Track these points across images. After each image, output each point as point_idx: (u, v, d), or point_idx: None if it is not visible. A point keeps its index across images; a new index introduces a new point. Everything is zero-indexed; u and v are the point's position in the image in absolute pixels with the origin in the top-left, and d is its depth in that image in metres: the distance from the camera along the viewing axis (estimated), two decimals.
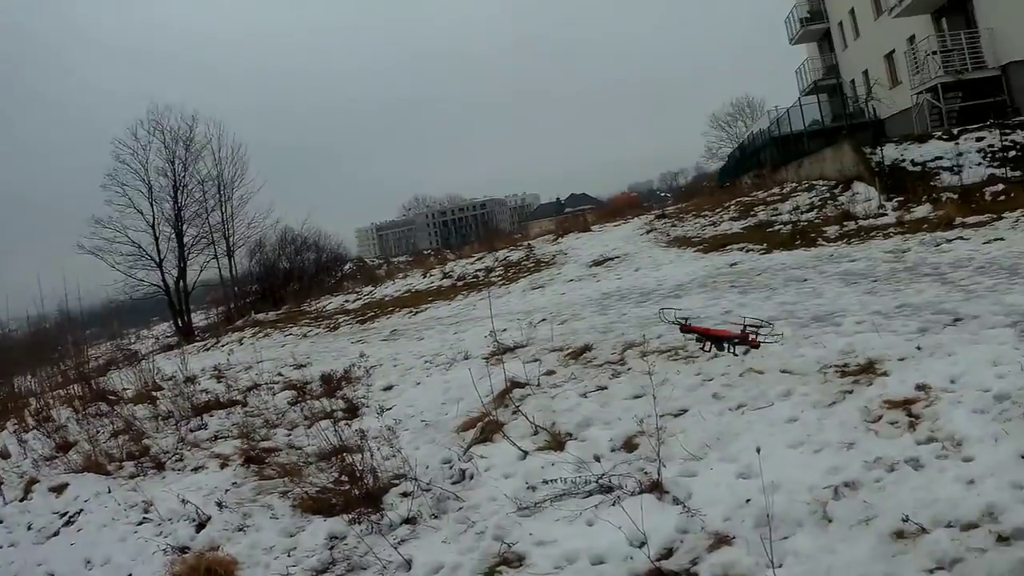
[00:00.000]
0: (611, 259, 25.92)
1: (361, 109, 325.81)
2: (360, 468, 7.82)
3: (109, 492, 8.94)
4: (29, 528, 8.46)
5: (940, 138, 27.01)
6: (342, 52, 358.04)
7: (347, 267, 60.60)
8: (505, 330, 14.46)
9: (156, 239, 44.34)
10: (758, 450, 6.00)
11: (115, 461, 10.18)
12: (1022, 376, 6.89)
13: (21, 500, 9.17)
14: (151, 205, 44.91)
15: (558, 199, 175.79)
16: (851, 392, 7.60)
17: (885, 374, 7.80)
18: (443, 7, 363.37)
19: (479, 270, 31.18)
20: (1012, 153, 24.98)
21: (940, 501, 5.28)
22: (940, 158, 25.54)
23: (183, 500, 7.90)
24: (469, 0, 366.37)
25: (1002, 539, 4.79)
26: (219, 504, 8.07)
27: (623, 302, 16.82)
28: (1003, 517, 4.97)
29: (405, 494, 7.45)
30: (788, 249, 20.57)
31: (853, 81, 46.61)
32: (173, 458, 10.21)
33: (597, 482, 6.71)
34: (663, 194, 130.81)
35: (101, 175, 45.36)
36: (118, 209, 44.57)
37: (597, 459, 7.32)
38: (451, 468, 8.00)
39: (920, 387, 7.19)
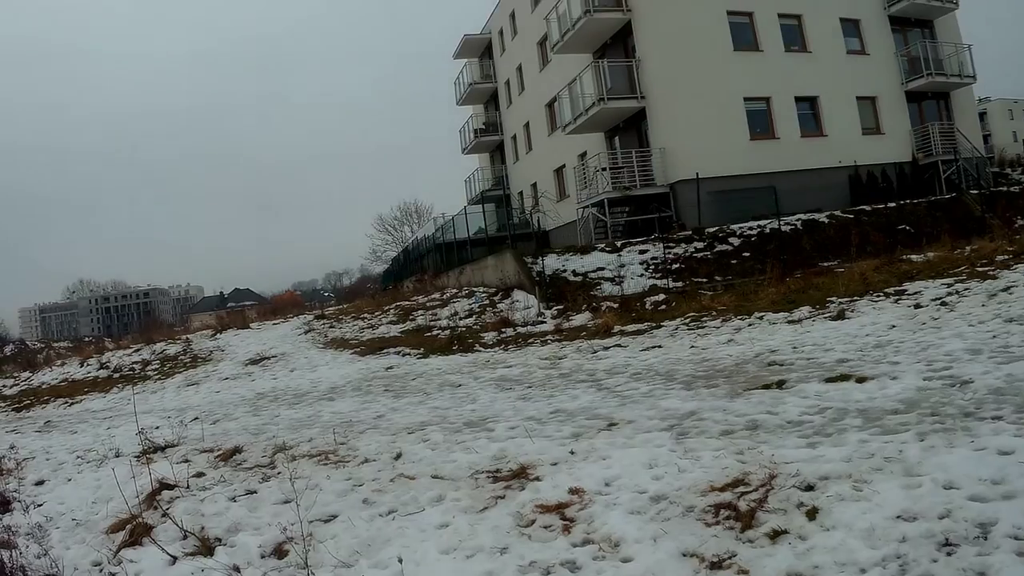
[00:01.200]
0: (268, 358, 26.11)
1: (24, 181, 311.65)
2: (10, 565, 7.51)
3: None
4: None
5: (603, 250, 28.46)
6: None
7: (8, 349, 57.04)
8: (158, 428, 14.00)
9: None
10: (400, 560, 6.20)
11: None
12: (679, 477, 7.01)
13: None
14: None
15: (221, 293, 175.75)
16: (503, 497, 7.61)
17: (538, 479, 7.86)
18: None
19: (136, 362, 30.90)
20: (675, 266, 26.67)
21: None
22: (602, 268, 26.75)
23: None
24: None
25: None
26: None
27: (276, 403, 16.74)
28: None
29: None
30: (445, 354, 20.84)
31: (521, 193, 48.52)
32: None
33: None
34: (326, 294, 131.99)
35: None
36: None
37: (245, 566, 7.15)
38: (101, 571, 7.71)
39: (574, 491, 7.25)
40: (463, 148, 57.72)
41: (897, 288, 17.53)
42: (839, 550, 5.19)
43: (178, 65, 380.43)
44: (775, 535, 5.63)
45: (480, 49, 55.35)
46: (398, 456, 9.61)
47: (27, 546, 8.16)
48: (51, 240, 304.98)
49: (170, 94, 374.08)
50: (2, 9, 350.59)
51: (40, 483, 11.80)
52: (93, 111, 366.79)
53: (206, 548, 7.64)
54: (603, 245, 29.26)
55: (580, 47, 37.95)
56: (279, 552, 7.28)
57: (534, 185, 46.42)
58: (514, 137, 50.97)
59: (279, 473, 9.67)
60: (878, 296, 17.22)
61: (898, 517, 5.44)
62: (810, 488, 6.19)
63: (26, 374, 34.69)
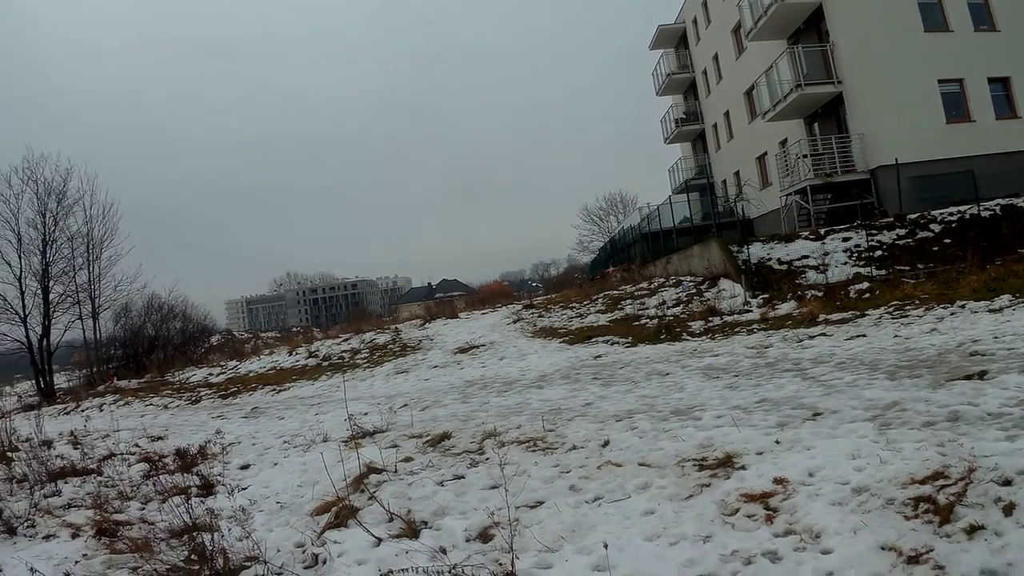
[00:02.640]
0: (477, 347, 26.00)
1: (237, 182, 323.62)
2: (211, 548, 7.39)
3: None
4: None
5: (807, 238, 27.88)
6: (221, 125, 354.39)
7: (214, 339, 59.19)
8: (366, 414, 14.37)
9: (22, 293, 41.94)
10: (605, 546, 5.99)
11: None
12: (881, 468, 6.87)
13: None
14: (19, 257, 42.10)
15: (429, 284, 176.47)
16: (708, 485, 7.50)
17: (743, 468, 7.75)
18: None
19: (345, 351, 30.97)
20: (878, 253, 25.92)
21: None
22: (806, 257, 26.20)
23: (32, 569, 7.25)
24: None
25: None
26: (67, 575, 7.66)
27: (485, 391, 16.75)
28: None
29: None
30: (653, 343, 20.72)
31: (724, 181, 47.89)
32: (25, 524, 9.65)
33: (450, 572, 6.47)
34: (534, 284, 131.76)
35: None
36: None
37: (451, 549, 7.08)
38: (304, 552, 7.69)
39: (778, 480, 7.14)
40: (665, 138, 57.27)
41: None
42: None
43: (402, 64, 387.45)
44: (972, 530, 5.48)
45: (675, 39, 54.77)
46: (605, 443, 9.63)
47: (229, 529, 8.20)
48: (256, 236, 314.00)
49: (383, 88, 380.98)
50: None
51: (245, 467, 12.13)
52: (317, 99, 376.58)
53: (411, 531, 7.69)
54: (806, 233, 28.71)
55: (773, 33, 37.26)
56: (484, 536, 7.29)
57: (736, 173, 45.89)
58: (715, 125, 50.34)
59: (487, 459, 9.80)
60: None
61: None
62: (1008, 483, 6.02)
63: (233, 363, 35.44)
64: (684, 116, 54.33)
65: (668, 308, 25.88)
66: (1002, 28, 33.67)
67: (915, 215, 28.36)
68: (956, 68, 33.01)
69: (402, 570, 6.68)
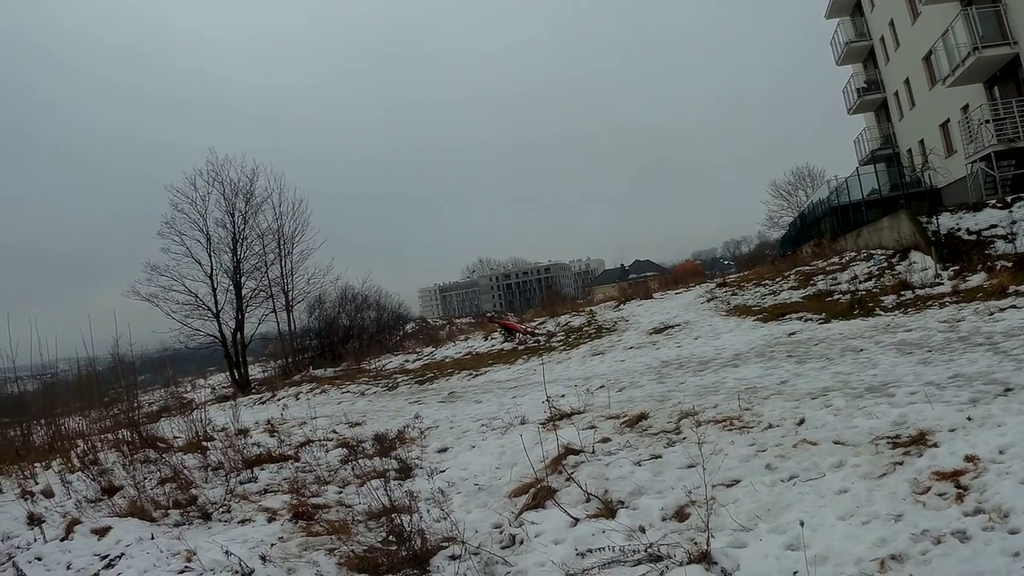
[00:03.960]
0: (671, 327, 25.90)
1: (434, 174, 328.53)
2: (409, 529, 7.67)
3: (152, 538, 8.62)
4: (68, 568, 8.06)
5: (994, 206, 26.80)
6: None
7: (409, 327, 60.30)
8: (563, 396, 14.47)
9: (214, 290, 43.48)
10: (801, 524, 6.10)
11: (160, 508, 9.93)
12: None
13: (62, 540, 8.79)
14: (209, 256, 44.41)
15: (622, 265, 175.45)
16: (901, 464, 7.50)
17: (935, 445, 7.70)
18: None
19: (540, 335, 31.16)
20: None
21: (985, 573, 5.21)
22: (995, 226, 25.24)
23: (227, 552, 7.61)
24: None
25: None
26: (263, 558, 7.86)
27: (681, 371, 16.76)
28: None
29: (453, 557, 7.32)
30: (846, 319, 20.43)
31: (910, 150, 46.47)
32: (220, 509, 9.98)
33: (646, 551, 6.60)
34: (726, 262, 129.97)
35: (142, 223, 45.49)
36: (174, 258, 43.86)
37: (647, 528, 7.24)
38: (501, 533, 7.89)
39: (969, 458, 7.07)
40: (848, 108, 55.52)
41: None
42: None
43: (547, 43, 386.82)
44: None
45: (850, 7, 52.91)
46: (801, 422, 9.62)
47: (427, 511, 8.47)
48: (444, 228, 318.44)
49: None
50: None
51: (443, 451, 12.44)
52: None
53: (608, 511, 7.78)
54: (994, 201, 27.52)
55: None
56: (680, 515, 7.38)
57: (921, 142, 44.36)
58: (896, 93, 48.52)
59: (684, 438, 9.93)
60: None
61: None
62: None
63: (428, 349, 35.92)
64: (865, 85, 52.61)
65: (860, 283, 25.42)
66: None
67: None
68: None
69: (598, 549, 6.82)
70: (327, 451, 13.32)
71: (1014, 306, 16.36)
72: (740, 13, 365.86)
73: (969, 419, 8.32)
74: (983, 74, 34.55)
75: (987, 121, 32.16)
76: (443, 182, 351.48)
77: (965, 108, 36.23)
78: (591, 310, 35.63)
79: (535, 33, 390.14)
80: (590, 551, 6.89)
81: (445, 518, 8.19)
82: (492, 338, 33.37)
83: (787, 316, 22.87)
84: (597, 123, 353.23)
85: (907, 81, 45.50)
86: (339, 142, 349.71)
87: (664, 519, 7.40)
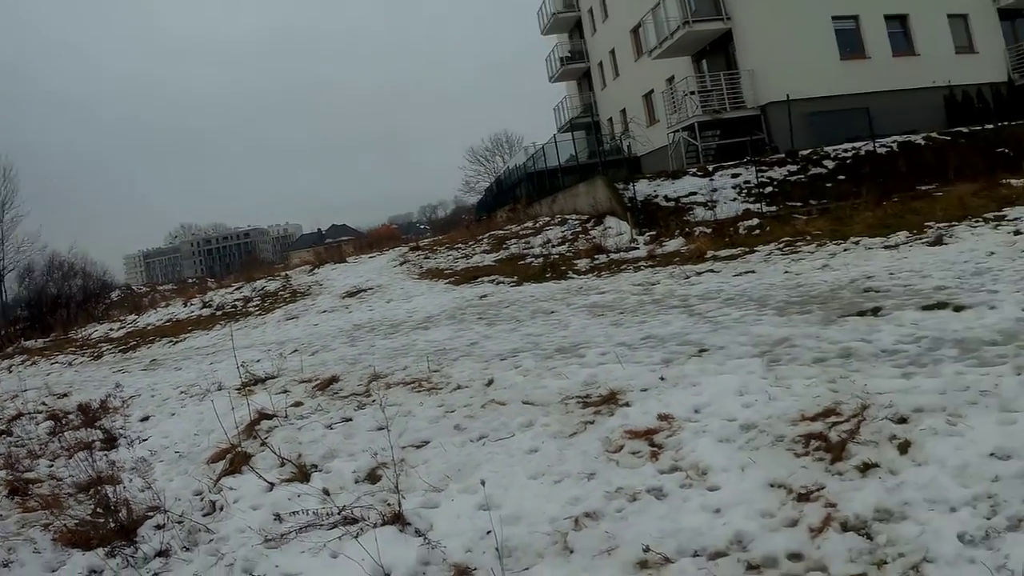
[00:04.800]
0: (364, 290, 26.37)
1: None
2: (115, 500, 7.69)
3: None
4: None
5: (695, 174, 28.04)
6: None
7: (115, 295, 59.60)
8: (258, 361, 14.71)
9: None
10: (483, 483, 6.19)
11: None
12: (770, 405, 6.93)
13: None
14: None
15: (319, 230, 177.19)
16: (592, 423, 7.59)
17: (627, 404, 7.82)
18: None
19: (238, 300, 31.73)
20: (768, 189, 26.19)
21: (685, 531, 5.29)
22: (695, 193, 26.37)
23: None
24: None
25: (752, 567, 4.81)
26: None
27: (373, 334, 16.97)
28: (752, 545, 5.00)
29: (159, 526, 7.35)
30: (538, 282, 20.79)
31: (611, 119, 48.19)
32: None
33: (340, 514, 6.67)
34: (422, 226, 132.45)
35: None
36: None
37: (340, 491, 7.30)
38: (202, 500, 8.02)
39: (663, 417, 7.19)
40: (550, 77, 57.42)
41: (996, 213, 17.13)
42: (930, 487, 5.07)
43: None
44: (865, 468, 5.51)
45: None
46: (490, 383, 9.67)
47: (131, 480, 8.46)
48: (150, 188, 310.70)
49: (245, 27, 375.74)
50: None
51: (145, 419, 12.32)
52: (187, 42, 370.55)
53: (302, 474, 7.81)
54: (695, 170, 28.82)
55: None
56: (372, 477, 7.44)
57: (623, 111, 45.99)
58: (600, 64, 50.42)
59: (374, 401, 9.85)
60: (977, 221, 16.82)
61: (991, 455, 5.27)
62: (903, 420, 6.03)
63: (132, 317, 35.82)
64: (569, 55, 54.33)
65: (554, 247, 26.02)
66: None
67: (807, 152, 28.61)
68: (852, 5, 33.44)
69: (294, 513, 6.84)
70: (37, 424, 13.28)
71: (711, 270, 16.98)
72: None
73: (662, 379, 8.45)
74: (692, 47, 36.32)
75: (692, 92, 33.59)
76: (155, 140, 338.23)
77: (671, 79, 37.81)
78: (287, 274, 36.39)
79: None
80: (287, 515, 6.94)
81: (148, 487, 8.24)
82: (191, 304, 33.53)
83: (479, 279, 23.20)
84: (290, 86, 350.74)
85: (613, 52, 47.25)
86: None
87: (357, 482, 7.50)
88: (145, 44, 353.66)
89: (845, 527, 4.93)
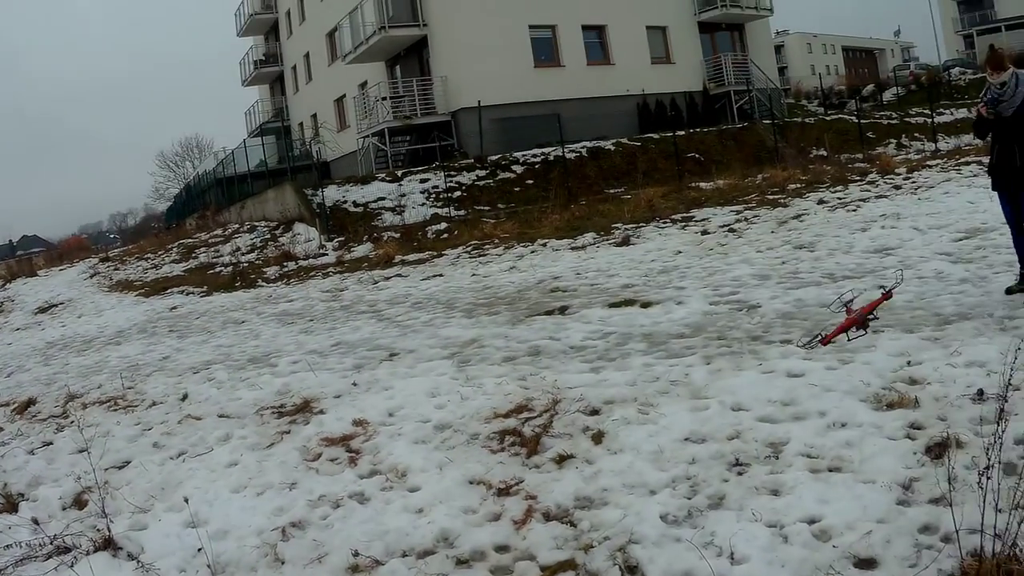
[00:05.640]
0: (56, 305, 25.22)
1: None
2: None
3: None
4: None
5: (384, 180, 28.30)
6: None
7: None
8: None
9: None
10: (186, 500, 6.01)
11: None
12: (462, 405, 7.12)
13: None
14: None
15: (10, 241, 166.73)
16: (289, 432, 7.64)
17: (322, 412, 7.93)
18: None
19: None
20: (456, 194, 26.74)
21: (391, 532, 5.33)
22: (383, 199, 26.66)
23: None
24: None
25: (461, 562, 4.85)
26: None
27: (66, 351, 16.32)
28: (458, 541, 5.06)
29: None
30: (228, 291, 20.60)
31: (301, 124, 47.90)
32: None
33: (53, 543, 6.21)
34: (112, 236, 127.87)
35: None
36: None
37: (49, 519, 6.77)
38: None
39: (358, 422, 7.31)
40: (243, 80, 56.51)
41: (685, 215, 18.02)
42: (627, 473, 5.24)
43: None
44: (561, 460, 5.67)
45: None
46: (184, 397, 9.60)
47: None
48: None
49: None
50: None
51: None
52: None
53: (10, 504, 7.37)
54: (384, 175, 29.08)
55: None
56: (79, 503, 7.08)
57: (314, 116, 45.72)
58: (294, 68, 50.08)
59: (72, 422, 9.56)
60: (665, 223, 17.64)
61: (686, 439, 5.51)
62: (595, 412, 6.25)
63: None
64: (264, 58, 53.66)
65: (243, 255, 25.75)
66: None
67: (497, 157, 29.34)
68: (549, 15, 34.39)
69: (6, 546, 6.32)
70: None
71: (399, 275, 17.16)
72: None
73: (355, 384, 8.60)
74: (387, 53, 36.50)
75: (384, 98, 33.69)
76: None
77: (364, 85, 37.85)
78: None
79: None
80: (2, 549, 6.38)
81: None
82: None
83: (169, 290, 22.74)
84: None
85: (307, 55, 47.06)
86: None
87: (65, 508, 7.06)
88: None
89: (548, 517, 5.04)
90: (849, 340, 7.27)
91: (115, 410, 9.73)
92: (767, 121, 33.09)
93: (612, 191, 25.50)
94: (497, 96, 31.72)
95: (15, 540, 6.38)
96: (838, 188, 17.74)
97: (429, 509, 5.47)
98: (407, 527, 5.33)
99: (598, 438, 5.78)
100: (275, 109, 53.18)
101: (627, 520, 4.71)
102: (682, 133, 30.75)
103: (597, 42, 35.59)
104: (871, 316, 7.59)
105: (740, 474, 4.95)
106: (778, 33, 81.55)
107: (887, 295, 7.79)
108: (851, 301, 7.60)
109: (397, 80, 35.06)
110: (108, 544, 5.97)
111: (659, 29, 37.10)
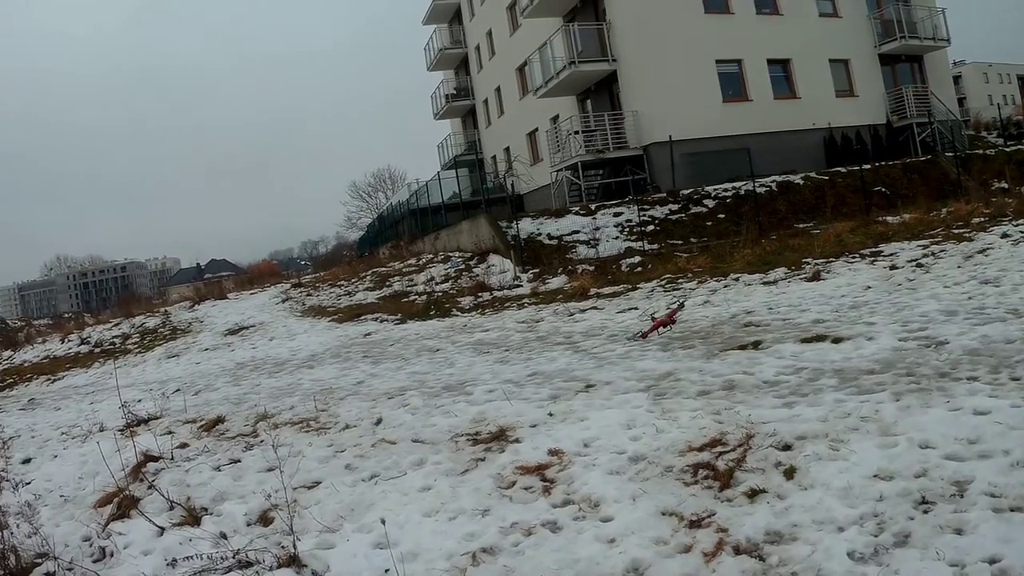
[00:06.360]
0: (247, 328, 26.06)
1: None
2: (2, 546, 7.36)
3: None
4: None
5: (578, 213, 28.40)
6: None
7: None
8: (140, 401, 14.02)
9: None
10: (383, 521, 6.12)
11: None
12: (657, 437, 7.07)
13: None
14: None
15: (198, 264, 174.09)
16: (483, 460, 7.63)
17: (517, 441, 7.88)
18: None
19: (116, 336, 30.94)
20: (650, 228, 26.64)
21: (581, 561, 5.31)
22: (577, 232, 26.72)
23: None
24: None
25: None
26: None
27: (257, 372, 16.79)
28: (648, 572, 5.05)
29: (49, 574, 7.03)
30: (423, 319, 20.76)
31: (495, 157, 48.31)
32: None
33: (235, 557, 6.49)
34: (303, 262, 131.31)
35: None
36: None
37: (232, 534, 7.06)
38: (91, 546, 7.64)
39: (553, 452, 7.28)
40: (435, 114, 57.42)
41: (872, 249, 17.64)
42: (817, 509, 5.25)
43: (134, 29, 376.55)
44: (753, 494, 5.67)
45: (449, 14, 54.88)
46: (379, 421, 9.62)
47: (18, 525, 8.08)
48: (25, 218, 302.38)
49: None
50: None
51: (27, 461, 11.77)
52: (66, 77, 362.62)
53: (193, 518, 7.64)
54: (577, 208, 29.20)
55: (549, 11, 37.59)
56: (264, 519, 7.28)
57: (507, 149, 46.25)
58: (485, 101, 50.76)
59: (262, 441, 9.70)
60: (853, 257, 17.33)
61: (875, 476, 5.49)
62: (787, 448, 6.24)
63: (7, 353, 34.51)
64: (455, 92, 54.55)
65: (437, 284, 26.06)
66: (785, 12, 35.37)
67: (689, 191, 29.24)
68: (735, 49, 34.33)
69: (187, 558, 6.62)
70: None
71: (595, 307, 17.12)
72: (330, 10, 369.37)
73: (551, 415, 8.56)
74: (577, 87, 36.77)
75: (576, 132, 33.90)
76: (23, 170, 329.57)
77: (555, 119, 38.18)
78: (166, 310, 35.56)
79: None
80: (180, 560, 6.72)
81: (36, 532, 7.76)
82: (68, 340, 32.35)
83: (363, 317, 23.11)
84: (169, 114, 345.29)
85: (498, 90, 47.50)
86: None
87: (249, 524, 7.31)
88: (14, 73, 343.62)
89: (737, 550, 5.03)
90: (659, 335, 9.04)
91: (307, 431, 9.95)
92: (949, 154, 32.11)
93: (801, 225, 25.07)
94: (687, 130, 31.81)
95: (196, 552, 6.69)
96: (1020, 222, 17.12)
97: (621, 539, 5.47)
98: (598, 556, 5.32)
99: (790, 473, 5.78)
100: (467, 142, 53.87)
101: (815, 556, 4.73)
102: (868, 167, 30.22)
103: (782, 75, 35.36)
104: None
105: (926, 512, 4.93)
106: (955, 64, 79.07)
107: (679, 308, 9.98)
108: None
109: (588, 114, 35.22)
110: (293, 561, 6.21)
111: (842, 62, 36.59)
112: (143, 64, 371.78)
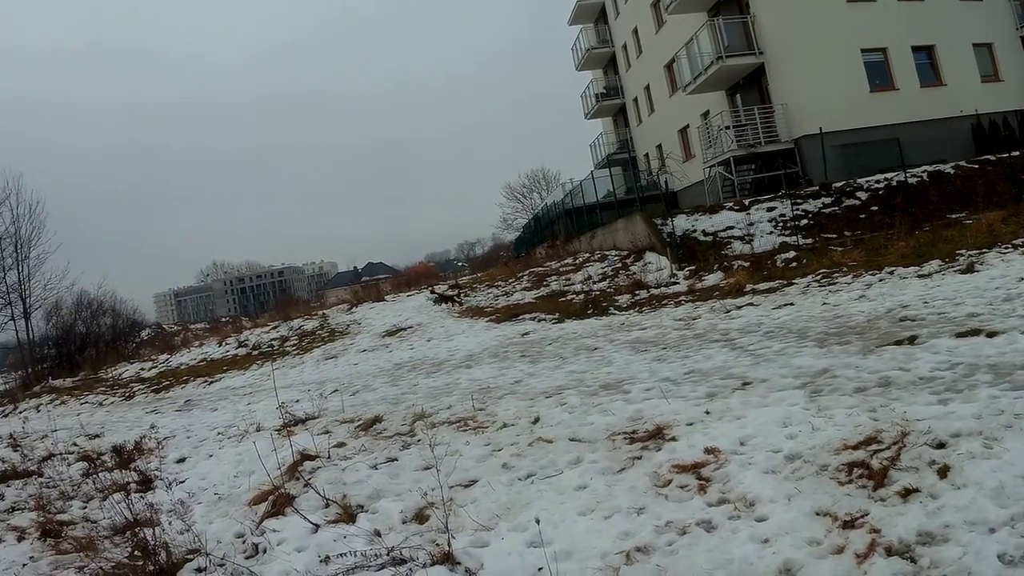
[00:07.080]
0: (404, 329, 26.28)
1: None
2: (153, 543, 7.47)
3: None
4: None
5: (732, 208, 28.16)
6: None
7: (145, 333, 59.77)
8: (298, 401, 14.55)
9: None
10: (537, 521, 6.14)
11: None
12: (813, 436, 7.02)
13: None
14: None
15: (355, 268, 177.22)
16: (640, 458, 7.62)
17: (674, 439, 7.86)
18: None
19: (274, 339, 31.58)
20: (804, 222, 26.29)
21: (735, 561, 5.32)
22: (732, 227, 26.49)
23: None
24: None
25: None
26: None
27: (414, 373, 17.01)
28: (801, 573, 5.06)
29: (199, 570, 7.15)
30: (580, 318, 20.74)
31: (647, 155, 48.20)
32: None
33: (389, 554, 6.55)
34: (460, 264, 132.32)
35: None
36: None
37: (387, 531, 7.21)
38: (244, 542, 7.80)
39: (709, 451, 7.25)
40: (586, 113, 57.54)
41: None
42: (969, 509, 5.15)
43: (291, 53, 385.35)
44: (907, 494, 5.59)
45: (594, 14, 54.96)
46: (536, 420, 9.70)
47: (170, 523, 8.36)
48: (181, 229, 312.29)
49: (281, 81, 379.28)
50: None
51: (181, 460, 12.16)
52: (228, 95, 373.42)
53: (348, 515, 7.81)
54: (731, 204, 28.95)
55: (693, 6, 37.44)
56: (420, 517, 7.39)
57: (659, 146, 46.14)
58: (635, 100, 50.66)
59: (419, 440, 9.89)
60: (1006, 248, 16.90)
61: None
62: (941, 446, 6.12)
63: (164, 356, 35.63)
64: (604, 91, 54.57)
65: (594, 283, 26.03)
66: None
67: (841, 183, 28.76)
68: (879, 37, 33.74)
69: (341, 554, 6.73)
70: (69, 465, 13.02)
71: (751, 303, 16.97)
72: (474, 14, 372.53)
73: (707, 413, 8.52)
74: (725, 82, 36.43)
75: (727, 127, 33.74)
76: (179, 181, 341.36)
77: (706, 114, 38.00)
78: (324, 313, 36.29)
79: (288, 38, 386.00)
80: (333, 557, 6.81)
81: (188, 530, 8.03)
82: (225, 343, 33.35)
83: (520, 317, 23.14)
84: (320, 133, 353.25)
85: (647, 87, 47.38)
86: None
87: (404, 522, 7.40)
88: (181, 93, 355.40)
89: (890, 552, 5.00)
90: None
91: (464, 430, 10.00)
92: None
93: (953, 216, 24.39)
94: (836, 122, 31.37)
95: (350, 549, 6.77)
96: None
97: (775, 539, 5.46)
98: (752, 556, 5.32)
99: (943, 472, 5.67)
100: (620, 140, 53.78)
101: (966, 559, 4.66)
102: (1017, 153, 29.15)
103: (927, 63, 34.48)
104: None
105: None
106: None
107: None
108: None
109: (738, 108, 34.97)
110: (447, 559, 6.23)
111: (985, 46, 35.59)
112: (283, 91, 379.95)
